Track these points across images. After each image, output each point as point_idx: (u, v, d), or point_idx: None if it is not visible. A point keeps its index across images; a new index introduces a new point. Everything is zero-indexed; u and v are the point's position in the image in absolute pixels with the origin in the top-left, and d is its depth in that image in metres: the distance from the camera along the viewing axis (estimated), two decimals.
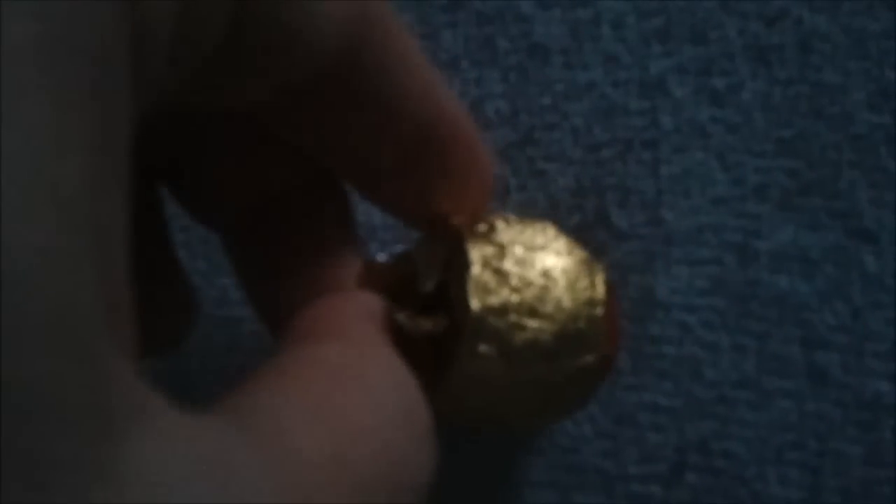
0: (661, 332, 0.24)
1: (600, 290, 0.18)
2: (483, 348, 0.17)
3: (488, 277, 0.17)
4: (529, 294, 0.17)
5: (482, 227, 0.18)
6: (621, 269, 0.24)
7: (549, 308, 0.18)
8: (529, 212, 0.25)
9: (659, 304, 0.24)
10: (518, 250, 0.18)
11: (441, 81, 0.17)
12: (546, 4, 0.25)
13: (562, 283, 0.18)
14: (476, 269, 0.17)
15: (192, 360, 0.24)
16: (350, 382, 0.13)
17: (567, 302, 0.18)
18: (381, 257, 0.19)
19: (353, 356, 0.14)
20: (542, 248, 0.18)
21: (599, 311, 0.18)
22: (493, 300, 0.17)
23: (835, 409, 0.24)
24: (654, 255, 0.24)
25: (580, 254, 0.18)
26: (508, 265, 0.18)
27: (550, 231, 0.19)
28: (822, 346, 0.24)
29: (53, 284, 0.07)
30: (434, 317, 0.18)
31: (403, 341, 0.16)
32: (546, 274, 0.18)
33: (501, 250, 0.18)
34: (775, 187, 0.24)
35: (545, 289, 0.18)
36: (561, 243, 0.18)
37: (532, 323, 0.17)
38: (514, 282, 0.17)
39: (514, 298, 0.17)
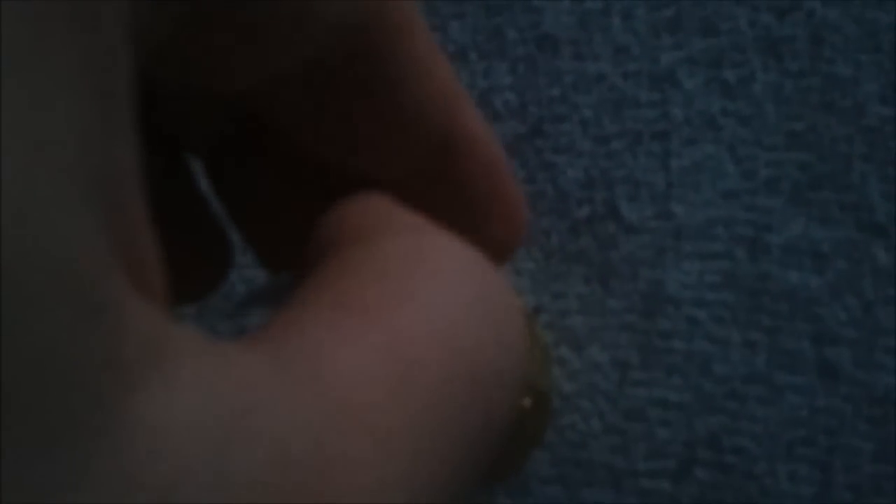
0: (671, 326, 0.24)
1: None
2: None
3: None
4: None
5: None
6: (631, 263, 0.24)
7: None
8: (538, 205, 0.25)
9: (668, 298, 0.24)
10: None
11: (465, 95, 0.15)
12: None
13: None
14: None
15: None
16: (409, 274, 0.11)
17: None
18: None
19: (411, 246, 0.12)
20: None
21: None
22: None
23: (845, 405, 0.23)
24: (663, 248, 0.24)
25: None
26: None
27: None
28: (833, 341, 0.24)
29: (45, 227, 0.07)
30: None
31: None
32: None
33: None
34: (786, 180, 0.24)
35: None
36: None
37: None
38: None
39: None
